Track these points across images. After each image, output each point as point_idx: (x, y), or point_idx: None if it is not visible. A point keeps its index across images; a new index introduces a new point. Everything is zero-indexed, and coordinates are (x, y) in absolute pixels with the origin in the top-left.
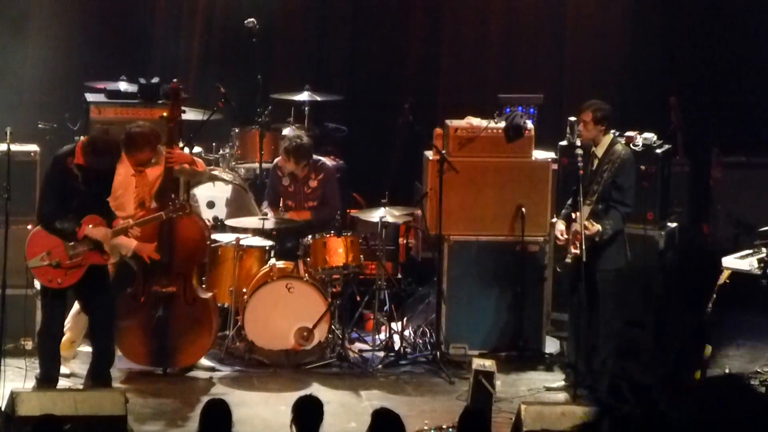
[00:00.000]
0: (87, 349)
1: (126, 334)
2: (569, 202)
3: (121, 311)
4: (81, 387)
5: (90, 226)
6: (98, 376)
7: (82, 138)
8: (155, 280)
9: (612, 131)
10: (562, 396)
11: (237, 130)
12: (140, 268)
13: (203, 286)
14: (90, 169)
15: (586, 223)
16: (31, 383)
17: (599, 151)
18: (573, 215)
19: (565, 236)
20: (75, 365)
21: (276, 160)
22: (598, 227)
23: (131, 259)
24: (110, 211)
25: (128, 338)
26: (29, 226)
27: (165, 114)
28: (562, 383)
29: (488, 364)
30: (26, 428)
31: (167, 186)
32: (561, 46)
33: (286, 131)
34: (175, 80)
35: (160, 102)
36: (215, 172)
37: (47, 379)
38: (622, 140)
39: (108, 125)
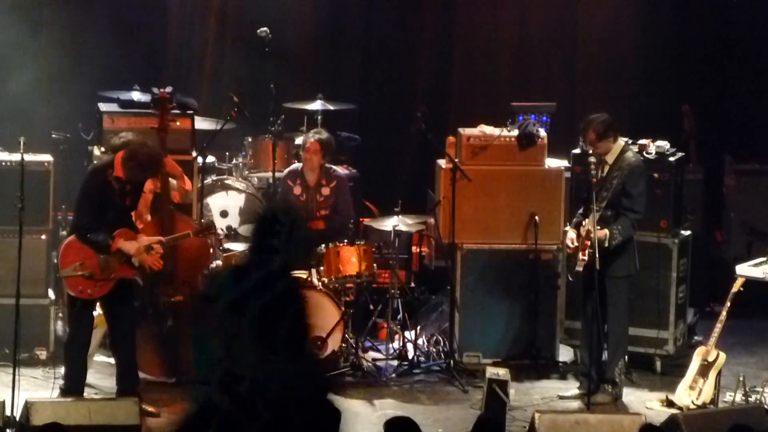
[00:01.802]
0: (101, 358)
1: (137, 347)
2: (580, 210)
3: None
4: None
5: (122, 240)
6: (124, 393)
7: (120, 151)
8: (161, 290)
9: (625, 139)
10: (576, 404)
11: (250, 140)
12: (145, 279)
13: None
14: (129, 181)
15: (590, 227)
16: (45, 393)
17: (610, 158)
18: (584, 223)
19: (576, 244)
20: (89, 376)
21: (286, 171)
22: (605, 231)
23: (136, 270)
24: (134, 225)
25: (140, 351)
26: (43, 236)
27: (155, 125)
28: (576, 391)
29: (502, 372)
30: None
31: (165, 197)
32: (573, 54)
33: (299, 140)
34: (162, 89)
35: (176, 112)
36: (228, 182)
37: (73, 390)
38: (635, 148)
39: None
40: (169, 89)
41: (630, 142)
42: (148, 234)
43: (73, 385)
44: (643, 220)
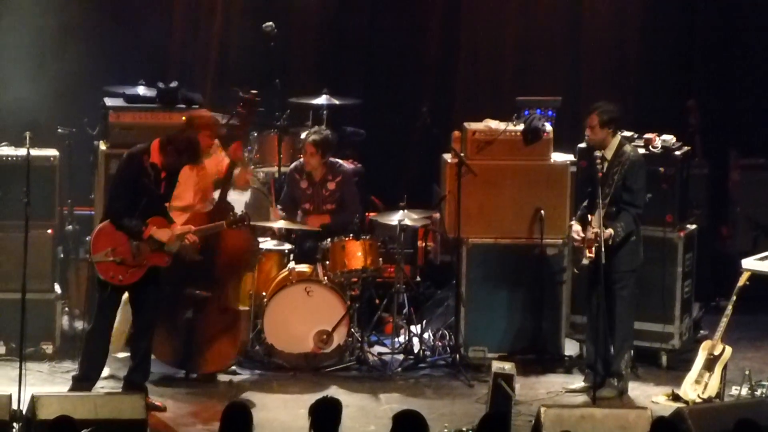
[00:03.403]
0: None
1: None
2: (584, 203)
3: None
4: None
5: (155, 227)
6: (132, 385)
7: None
8: (192, 282)
9: (629, 134)
10: (581, 398)
11: (255, 135)
12: (183, 264)
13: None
14: (165, 168)
15: (598, 229)
16: (52, 387)
17: (608, 153)
18: (588, 217)
19: (581, 236)
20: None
21: (293, 165)
22: (610, 231)
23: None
24: (167, 214)
25: (156, 334)
26: (49, 231)
27: (236, 122)
28: (582, 384)
29: (507, 366)
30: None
31: (225, 186)
32: (578, 49)
33: (304, 135)
34: (253, 91)
35: (181, 107)
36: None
37: (86, 378)
38: (641, 141)
39: (126, 130)
40: (174, 84)
41: (636, 136)
42: (199, 222)
43: (87, 374)
44: (649, 214)
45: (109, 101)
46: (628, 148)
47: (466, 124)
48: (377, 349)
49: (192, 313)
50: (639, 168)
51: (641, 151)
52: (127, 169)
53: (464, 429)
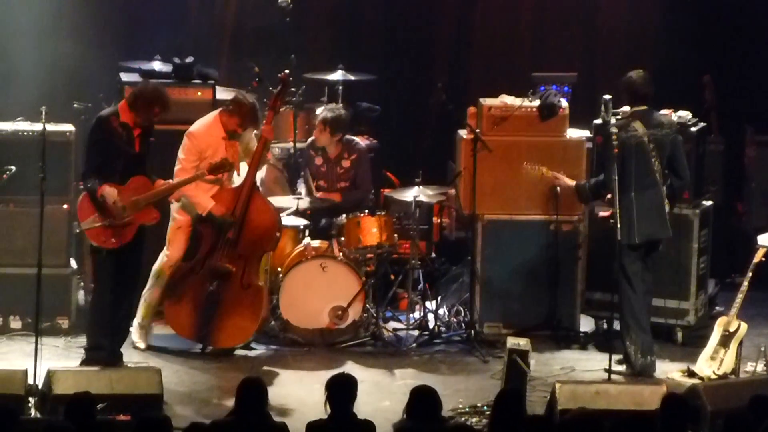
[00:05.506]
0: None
1: (176, 302)
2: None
3: (177, 280)
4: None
5: (106, 186)
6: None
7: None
8: (217, 255)
9: (638, 106)
10: (596, 375)
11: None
12: (210, 237)
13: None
14: (138, 124)
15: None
16: (67, 362)
17: None
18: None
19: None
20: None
21: (308, 141)
22: (571, 183)
23: (205, 224)
24: (148, 173)
25: (176, 307)
26: (65, 206)
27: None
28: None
29: (522, 342)
30: (62, 406)
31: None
32: (594, 24)
33: (319, 110)
34: (286, 71)
35: (195, 82)
36: None
37: (97, 347)
38: (662, 114)
39: None
40: (189, 59)
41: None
42: (226, 196)
43: (97, 343)
44: (603, 182)
45: (124, 76)
46: (636, 123)
47: (481, 100)
48: (392, 324)
49: (216, 286)
50: (605, 142)
51: None
52: (96, 132)
53: (479, 405)
